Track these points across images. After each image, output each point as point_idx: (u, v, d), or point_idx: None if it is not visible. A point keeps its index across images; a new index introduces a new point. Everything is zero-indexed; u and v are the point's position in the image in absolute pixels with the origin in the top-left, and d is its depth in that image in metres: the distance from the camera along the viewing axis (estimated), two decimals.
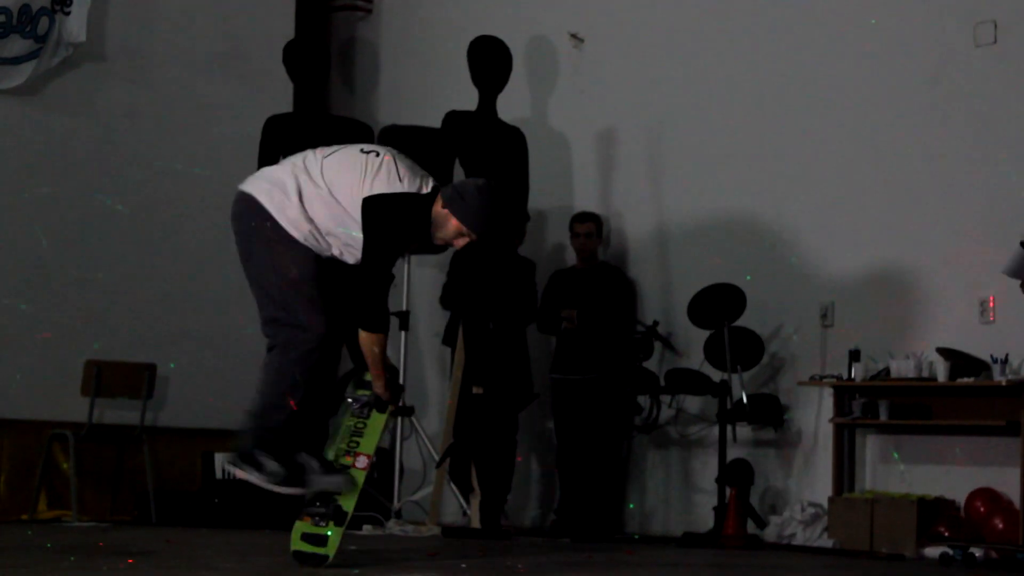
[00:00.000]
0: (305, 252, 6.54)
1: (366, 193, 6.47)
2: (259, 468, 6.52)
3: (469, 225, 6.55)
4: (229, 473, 10.37)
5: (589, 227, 10.39)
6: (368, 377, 6.78)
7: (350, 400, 6.86)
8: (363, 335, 6.56)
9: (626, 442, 10.28)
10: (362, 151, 6.62)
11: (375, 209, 6.45)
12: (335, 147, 6.71)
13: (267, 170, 6.77)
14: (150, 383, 10.59)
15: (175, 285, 10.96)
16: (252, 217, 6.57)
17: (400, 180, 6.51)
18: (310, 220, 6.51)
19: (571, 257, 10.64)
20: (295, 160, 6.69)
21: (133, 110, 11.05)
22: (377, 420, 6.81)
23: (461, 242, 6.62)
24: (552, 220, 11.01)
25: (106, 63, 11.00)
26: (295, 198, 6.52)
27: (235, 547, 7.93)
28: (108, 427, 10.55)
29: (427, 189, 6.57)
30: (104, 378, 10.39)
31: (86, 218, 10.78)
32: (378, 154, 6.58)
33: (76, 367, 10.38)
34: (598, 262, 10.46)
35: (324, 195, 6.51)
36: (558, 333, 10.23)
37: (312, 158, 6.65)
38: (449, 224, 6.56)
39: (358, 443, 6.75)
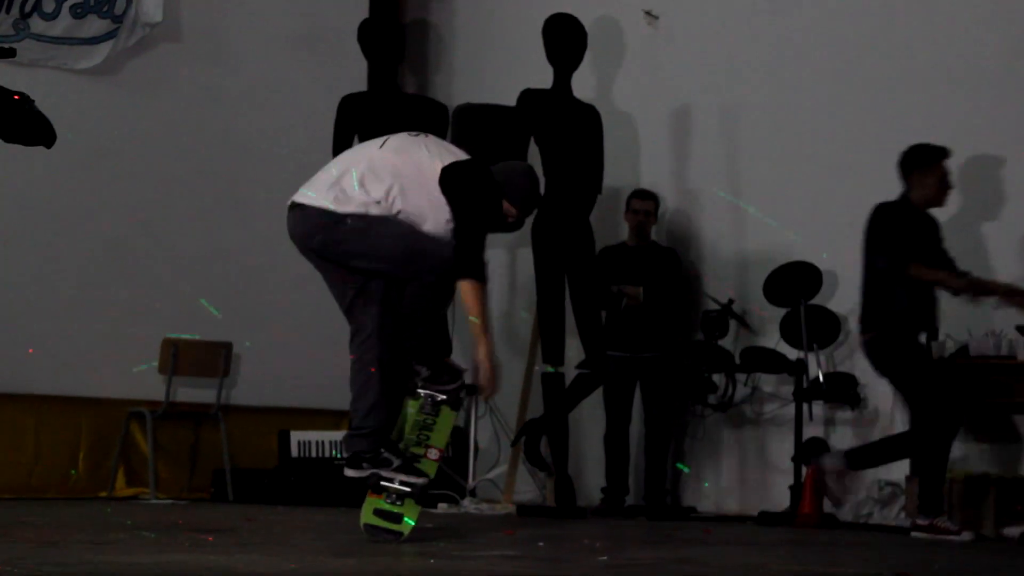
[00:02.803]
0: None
1: (438, 167, 6.59)
2: (387, 464, 6.63)
3: (519, 206, 6.83)
4: (305, 451, 10.49)
5: (648, 205, 10.33)
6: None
7: (422, 394, 6.84)
8: (467, 288, 6.52)
9: (702, 420, 10.25)
10: (411, 135, 6.78)
11: (457, 173, 6.59)
12: (383, 139, 6.75)
13: (330, 179, 6.67)
14: (226, 361, 10.67)
15: (251, 263, 11.00)
16: (335, 220, 6.58)
17: (459, 151, 6.76)
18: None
19: (625, 233, 10.57)
20: (350, 166, 6.65)
21: (209, 89, 11.10)
22: (448, 417, 6.84)
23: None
24: (612, 198, 10.91)
25: (182, 43, 11.05)
26: (375, 206, 6.58)
27: (313, 524, 7.98)
28: (185, 405, 10.64)
29: None
30: (181, 357, 10.48)
31: (163, 197, 10.83)
32: (427, 135, 6.81)
33: (153, 346, 10.47)
34: (651, 242, 10.41)
35: (396, 190, 6.56)
36: (617, 310, 10.12)
37: (368, 156, 6.67)
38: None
39: (428, 436, 6.79)
